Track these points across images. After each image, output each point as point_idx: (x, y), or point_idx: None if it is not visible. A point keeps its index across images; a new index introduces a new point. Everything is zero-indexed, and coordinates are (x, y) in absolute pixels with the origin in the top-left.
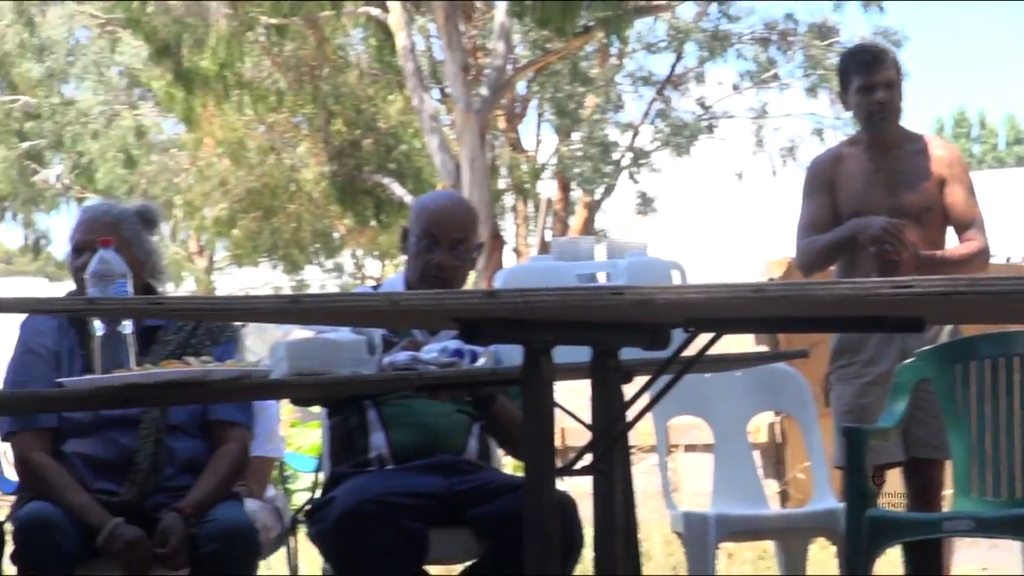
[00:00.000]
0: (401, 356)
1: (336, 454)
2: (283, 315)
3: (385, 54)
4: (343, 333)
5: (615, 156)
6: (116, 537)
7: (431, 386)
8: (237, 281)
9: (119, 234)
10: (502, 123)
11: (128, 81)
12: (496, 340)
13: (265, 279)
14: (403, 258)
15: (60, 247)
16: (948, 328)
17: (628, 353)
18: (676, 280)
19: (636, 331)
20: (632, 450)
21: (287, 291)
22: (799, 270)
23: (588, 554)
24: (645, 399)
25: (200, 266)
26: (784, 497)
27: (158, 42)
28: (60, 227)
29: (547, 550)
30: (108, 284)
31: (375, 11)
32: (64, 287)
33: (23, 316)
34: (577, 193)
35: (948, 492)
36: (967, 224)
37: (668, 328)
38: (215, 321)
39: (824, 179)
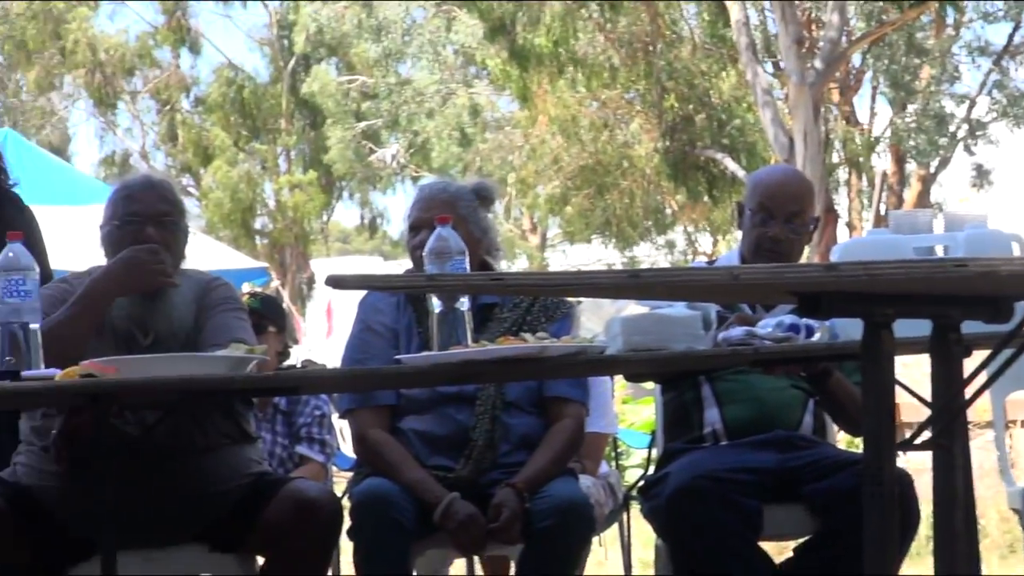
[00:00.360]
0: (736, 331)
1: (670, 430)
2: (622, 290)
3: (718, 28)
4: (678, 308)
5: (951, 128)
6: (452, 514)
7: (766, 361)
8: (569, 258)
9: (456, 211)
10: (836, 96)
11: (463, 60)
12: (836, 314)
13: (597, 256)
14: (736, 234)
15: (396, 226)
16: None
17: (967, 327)
18: (1016, 252)
19: (978, 304)
20: (968, 426)
21: (619, 268)
22: None
23: (921, 531)
24: (984, 374)
25: (533, 244)
26: None
27: (493, 20)
28: (396, 206)
29: (886, 527)
30: (445, 261)
31: None
32: (399, 265)
33: (361, 294)
34: (912, 166)
35: None
36: None
37: (1011, 300)
38: (554, 296)
39: None
